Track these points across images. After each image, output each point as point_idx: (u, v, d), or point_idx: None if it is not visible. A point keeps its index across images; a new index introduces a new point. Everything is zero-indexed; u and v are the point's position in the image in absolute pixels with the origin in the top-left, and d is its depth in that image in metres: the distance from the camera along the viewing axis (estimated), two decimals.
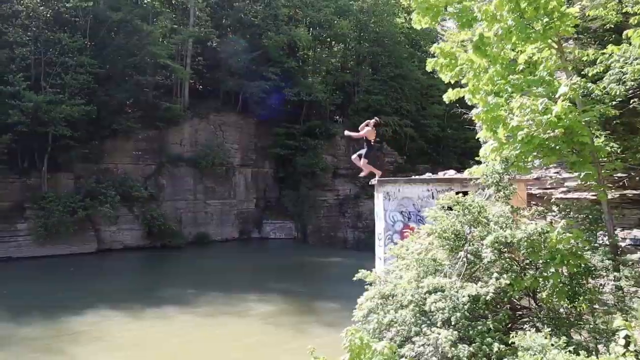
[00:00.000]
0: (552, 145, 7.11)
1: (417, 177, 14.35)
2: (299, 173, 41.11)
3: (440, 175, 14.16)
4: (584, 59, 8.25)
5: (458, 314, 6.39)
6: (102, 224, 33.01)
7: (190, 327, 17.36)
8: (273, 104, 40.97)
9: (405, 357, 6.27)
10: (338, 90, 45.47)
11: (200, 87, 43.84)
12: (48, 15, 33.13)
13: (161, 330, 17.09)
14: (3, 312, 19.01)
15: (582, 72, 8.41)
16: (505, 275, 6.71)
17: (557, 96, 6.70)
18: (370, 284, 7.65)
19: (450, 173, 14.57)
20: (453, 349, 6.13)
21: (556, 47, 7.25)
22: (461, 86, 8.21)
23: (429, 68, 8.17)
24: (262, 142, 42.23)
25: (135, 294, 20.91)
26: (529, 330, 6.15)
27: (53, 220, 30.06)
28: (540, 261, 6.83)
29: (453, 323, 6.39)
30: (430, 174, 15.69)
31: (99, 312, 18.83)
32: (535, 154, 7.44)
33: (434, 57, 8.14)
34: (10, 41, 30.83)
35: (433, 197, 11.84)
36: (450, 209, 7.82)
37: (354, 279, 7.88)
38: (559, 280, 6.66)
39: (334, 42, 49.52)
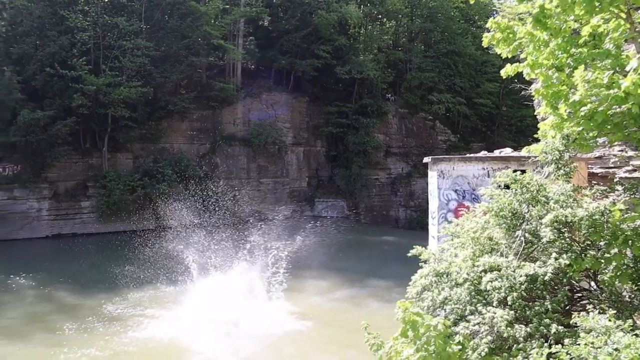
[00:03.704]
0: (618, 122, 6.79)
1: (472, 155, 14.06)
2: (350, 151, 41.05)
3: (496, 153, 13.82)
4: None
5: (515, 294, 6.28)
6: (160, 202, 34.10)
7: (249, 299, 17.85)
8: (325, 82, 40.91)
9: (460, 335, 6.23)
10: (390, 68, 44.93)
11: (253, 66, 44.23)
12: (106, 0, 34.10)
13: (218, 300, 17.64)
14: (72, 284, 20.16)
15: None
16: (564, 256, 6.52)
17: (627, 70, 6.37)
18: (425, 262, 7.61)
19: (507, 151, 14.18)
20: (509, 328, 6.05)
21: (625, 17, 6.88)
22: (518, 61, 7.93)
23: (485, 43, 7.91)
24: (314, 120, 42.33)
25: (194, 269, 21.60)
26: (592, 311, 5.98)
27: (114, 198, 31.36)
28: (602, 242, 6.60)
29: (509, 303, 6.30)
30: (485, 152, 15.33)
31: (160, 285, 19.65)
32: (598, 131, 7.14)
33: (490, 31, 7.90)
34: (72, 27, 31.95)
35: (489, 176, 11.61)
36: (507, 187, 7.65)
37: (409, 254, 7.85)
38: (622, 262, 6.42)
39: (385, 19, 48.75)
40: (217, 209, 35.19)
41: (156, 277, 20.34)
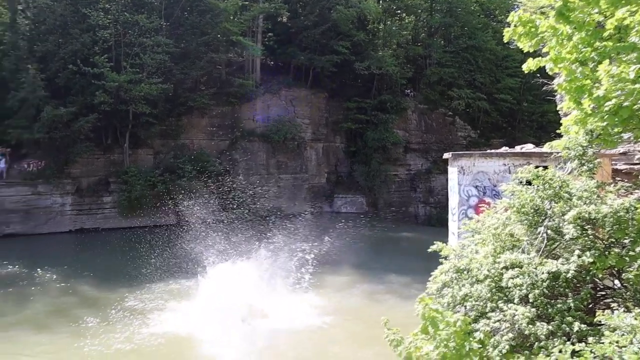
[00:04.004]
0: None
1: (492, 151, 13.92)
2: (370, 147, 40.94)
3: (517, 149, 13.67)
4: None
5: (536, 291, 6.21)
6: (180, 198, 34.40)
7: (267, 295, 17.97)
8: (344, 78, 40.84)
9: (480, 332, 6.19)
10: (409, 64, 44.63)
11: (272, 62, 44.32)
12: None
13: (237, 294, 17.81)
14: (95, 278, 20.51)
15: None
16: (588, 253, 6.42)
17: None
18: (445, 258, 7.57)
19: (528, 147, 14.02)
20: (530, 326, 5.99)
21: None
22: (540, 55, 7.82)
23: (506, 38, 7.82)
24: (333, 116, 42.30)
25: (213, 264, 21.80)
26: (617, 309, 5.88)
27: (135, 194, 31.77)
28: (627, 239, 6.49)
29: (531, 300, 6.23)
30: (506, 148, 15.18)
31: (181, 279, 19.87)
32: (623, 126, 7.01)
33: (511, 26, 7.80)
34: (93, 25, 32.35)
35: (510, 172, 11.49)
36: (529, 183, 7.56)
37: (429, 250, 7.82)
38: None
39: (404, 14, 48.42)
40: (236, 205, 35.49)
41: (177, 271, 20.62)
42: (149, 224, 32.25)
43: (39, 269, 21.70)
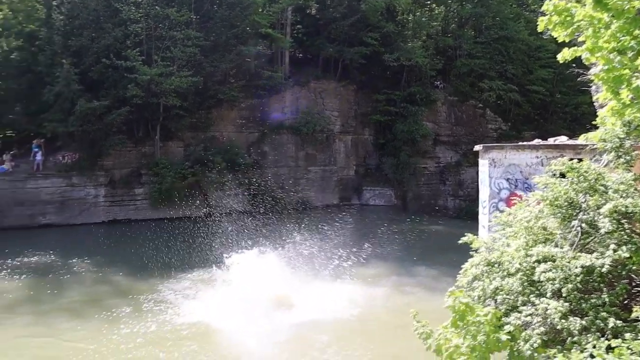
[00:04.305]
0: None
1: (525, 143, 13.67)
2: (399, 140, 40.61)
3: (551, 141, 13.39)
4: None
5: (570, 285, 6.11)
6: (210, 190, 34.84)
7: (291, 285, 18.12)
8: (373, 69, 40.59)
9: (511, 325, 6.11)
10: (439, 55, 43.97)
11: (300, 55, 44.29)
12: None
13: (268, 285, 18.02)
14: (127, 268, 20.97)
15: None
16: (624, 248, 6.27)
17: None
18: (476, 251, 7.48)
19: (562, 139, 13.73)
20: (563, 321, 5.90)
21: None
22: (575, 45, 7.62)
23: (540, 27, 7.64)
24: (362, 108, 42.09)
25: (243, 254, 22.04)
26: None
27: (166, 186, 32.26)
28: None
29: (564, 295, 6.13)
30: (539, 140, 14.89)
31: (211, 269, 20.15)
32: None
33: (546, 15, 7.61)
34: (125, 19, 32.81)
35: (542, 165, 11.28)
36: (562, 176, 7.40)
37: (460, 242, 7.73)
38: None
39: (434, 5, 47.72)
40: (265, 197, 35.72)
41: (206, 262, 20.89)
42: (178, 215, 32.71)
43: (74, 259, 22.29)
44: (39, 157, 31.37)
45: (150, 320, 15.02)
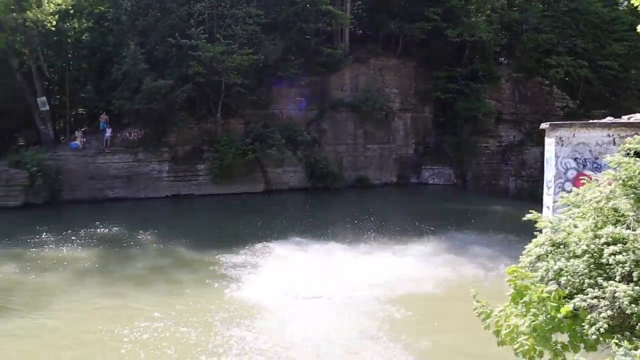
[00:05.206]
0: None
1: (596, 121, 13.04)
2: (460, 118, 39.62)
3: (624, 119, 12.69)
4: None
5: None
6: (269, 166, 35.40)
7: (349, 260, 18.27)
8: (434, 45, 39.66)
9: (574, 305, 5.90)
10: (504, 30, 42.33)
11: (360, 31, 43.84)
12: None
13: (324, 260, 18.40)
14: (189, 241, 21.75)
15: None
16: None
17: None
18: (539, 231, 7.25)
19: (637, 117, 12.98)
20: (633, 305, 5.65)
21: None
22: None
23: None
24: (422, 86, 41.25)
25: (301, 230, 22.40)
26: None
27: (227, 162, 33.03)
28: None
29: (635, 279, 5.85)
30: (611, 118, 14.16)
31: (270, 244, 20.61)
32: None
33: None
34: None
35: (614, 144, 10.72)
36: (637, 155, 7.03)
37: (524, 218, 7.51)
38: None
39: None
40: (323, 174, 35.98)
41: (267, 236, 21.36)
42: (239, 191, 33.53)
43: (139, 231, 23.30)
44: (108, 133, 32.82)
45: (208, 292, 15.57)
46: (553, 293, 5.33)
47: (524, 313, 5.57)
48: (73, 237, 21.94)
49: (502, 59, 43.75)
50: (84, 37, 35.38)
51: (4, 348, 12.05)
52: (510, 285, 5.69)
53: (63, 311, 14.38)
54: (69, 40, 35.16)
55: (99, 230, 23.62)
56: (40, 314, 14.04)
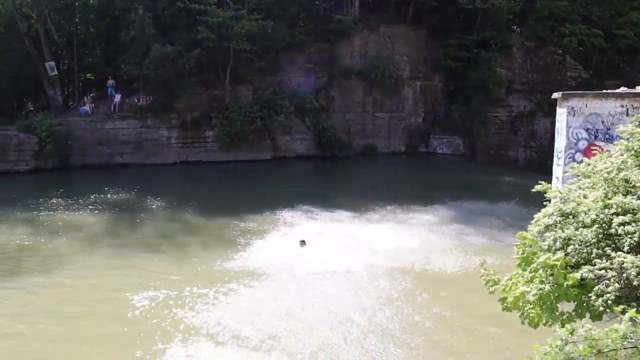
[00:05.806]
0: None
1: (609, 91, 12.86)
2: (470, 87, 39.09)
3: (638, 89, 12.51)
4: None
5: None
6: (278, 133, 35.34)
7: (357, 229, 18.38)
8: (445, 13, 38.93)
9: (581, 274, 5.93)
10: None
11: None
12: None
13: (333, 228, 18.56)
14: (197, 207, 21.95)
15: None
16: None
17: None
18: (549, 201, 7.25)
19: None
20: None
21: None
22: None
23: None
24: (432, 54, 40.63)
25: (309, 198, 22.50)
26: None
27: (235, 129, 32.95)
28: None
29: None
30: (625, 88, 13.95)
31: (278, 211, 20.75)
32: None
33: None
34: None
35: (627, 114, 10.61)
36: None
37: (533, 190, 7.49)
38: None
39: None
40: (332, 141, 35.89)
41: (273, 204, 21.49)
42: (247, 158, 33.59)
43: (148, 197, 23.49)
44: (118, 98, 32.77)
45: (216, 258, 15.76)
46: (560, 261, 5.34)
47: (531, 279, 5.60)
48: (83, 202, 22.18)
49: (515, 27, 42.89)
50: (91, 1, 35.01)
51: (29, 302, 12.64)
52: (518, 251, 5.71)
53: (78, 270, 14.81)
54: (77, 4, 34.81)
55: (108, 195, 23.84)
56: (57, 274, 14.51)
